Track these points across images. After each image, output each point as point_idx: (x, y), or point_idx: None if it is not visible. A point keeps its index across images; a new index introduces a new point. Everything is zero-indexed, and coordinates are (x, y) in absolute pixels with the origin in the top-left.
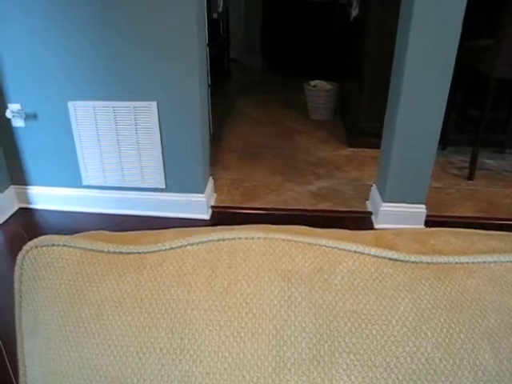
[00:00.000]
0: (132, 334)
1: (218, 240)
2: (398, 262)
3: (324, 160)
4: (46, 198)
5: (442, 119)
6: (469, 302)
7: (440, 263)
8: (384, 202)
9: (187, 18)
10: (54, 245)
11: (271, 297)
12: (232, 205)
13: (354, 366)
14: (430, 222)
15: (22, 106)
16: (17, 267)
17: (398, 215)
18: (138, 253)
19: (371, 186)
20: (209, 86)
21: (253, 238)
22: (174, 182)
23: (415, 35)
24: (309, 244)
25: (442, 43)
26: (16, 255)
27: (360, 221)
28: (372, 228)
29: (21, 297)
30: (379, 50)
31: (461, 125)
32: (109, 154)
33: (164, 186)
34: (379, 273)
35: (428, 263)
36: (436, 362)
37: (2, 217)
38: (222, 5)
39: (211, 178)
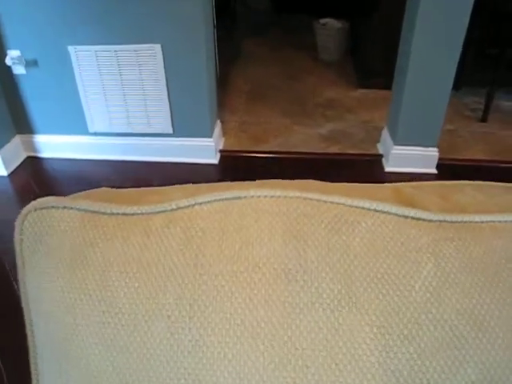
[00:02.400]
0: (139, 301)
1: (228, 199)
2: (421, 221)
3: (334, 102)
4: (53, 146)
5: (457, 58)
6: (496, 265)
7: (465, 222)
8: (395, 144)
9: None
10: (53, 207)
11: (285, 260)
12: (240, 149)
13: (374, 334)
14: (442, 166)
15: (21, 52)
16: (16, 231)
17: (409, 158)
18: (143, 214)
19: (382, 128)
20: (214, 27)
21: (265, 197)
22: (181, 126)
23: None
24: (325, 202)
25: None
26: (26, 205)
27: (370, 164)
28: (382, 171)
29: (23, 263)
30: None
31: (477, 64)
32: (113, 99)
33: (171, 131)
34: (401, 234)
35: (452, 222)
36: (461, 330)
37: (11, 166)
38: None
39: (219, 121)
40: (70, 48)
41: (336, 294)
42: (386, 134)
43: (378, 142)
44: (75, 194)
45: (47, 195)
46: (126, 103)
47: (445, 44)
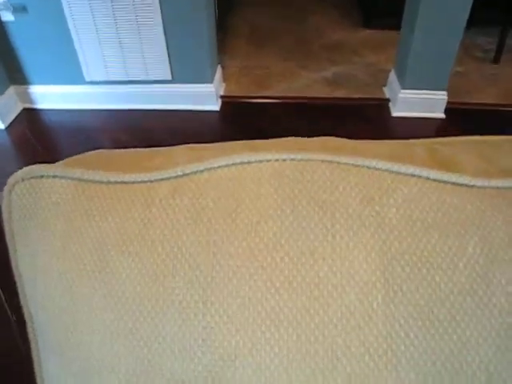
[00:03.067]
0: (145, 284)
1: (242, 163)
2: (464, 188)
3: (339, 43)
4: (49, 96)
5: None
6: None
7: None
8: (403, 88)
9: None
10: (43, 176)
11: (311, 236)
12: (242, 94)
13: (414, 319)
14: (450, 110)
15: None
16: (3, 205)
17: (416, 102)
18: (144, 182)
19: (389, 71)
20: None
21: (284, 160)
22: (181, 72)
23: None
24: (354, 166)
25: None
26: (25, 159)
27: (377, 108)
28: (389, 116)
29: (13, 238)
30: None
31: (490, 1)
32: (109, 45)
33: (170, 78)
34: (442, 203)
35: (498, 188)
36: None
37: (7, 119)
38: None
39: (219, 66)
40: None
41: (370, 276)
42: (393, 78)
43: (385, 85)
44: (67, 159)
45: (45, 148)
46: (122, 49)
47: None
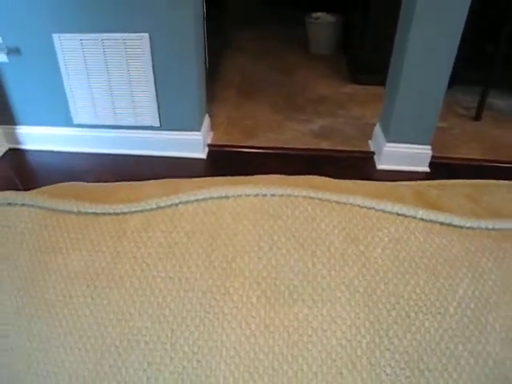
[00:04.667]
0: (109, 322)
1: (220, 197)
2: (452, 228)
3: (325, 97)
4: (36, 138)
5: (455, 54)
6: None
7: (503, 229)
8: (388, 141)
9: None
10: (10, 204)
11: (290, 275)
12: (230, 143)
13: (401, 368)
14: (435, 164)
15: (2, 39)
16: None
17: (401, 156)
18: (116, 214)
19: (374, 124)
20: (204, 18)
21: (265, 196)
22: (169, 119)
23: None
24: (337, 203)
25: None
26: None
27: (362, 161)
28: (374, 168)
29: None
30: None
31: (471, 61)
32: (99, 90)
33: (158, 124)
34: (430, 243)
35: (488, 229)
36: (508, 365)
37: None
38: None
39: (207, 115)
40: (55, 36)
41: (354, 320)
42: (378, 131)
43: (370, 138)
44: (39, 189)
45: (28, 189)
46: (112, 94)
47: (442, 40)
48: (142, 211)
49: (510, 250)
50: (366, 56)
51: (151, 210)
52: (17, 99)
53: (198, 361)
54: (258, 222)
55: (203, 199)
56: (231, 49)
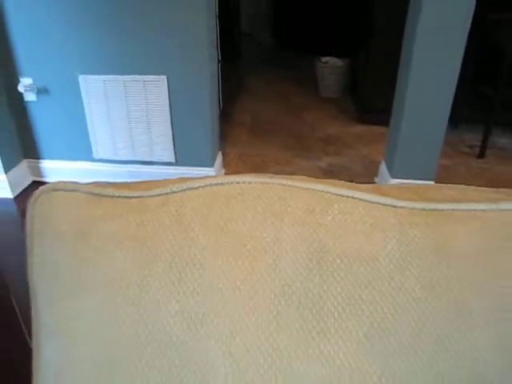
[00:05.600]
0: (133, 268)
1: (217, 184)
2: (390, 207)
3: (334, 137)
4: (58, 171)
5: (452, 94)
6: (459, 248)
7: (432, 210)
8: (392, 177)
9: None
10: (61, 190)
11: (264, 234)
12: None
13: (342, 298)
14: None
15: (33, 80)
16: (29, 209)
17: None
18: (141, 197)
19: (380, 162)
20: (219, 61)
21: (250, 183)
22: (184, 155)
23: (427, 7)
24: (303, 189)
25: (455, 16)
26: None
27: None
28: None
29: (32, 241)
30: (388, 25)
31: (474, 102)
32: (119, 127)
33: (174, 160)
34: (370, 216)
35: (420, 209)
36: (421, 299)
37: (16, 189)
38: None
39: (220, 152)
40: (81, 77)
41: (308, 263)
42: (383, 168)
43: (376, 176)
44: (83, 183)
45: None
46: (131, 131)
47: (440, 81)
48: (159, 195)
49: (432, 223)
50: (371, 98)
51: (167, 193)
52: (42, 135)
53: (198, 293)
54: (242, 200)
55: (204, 186)
56: (244, 91)
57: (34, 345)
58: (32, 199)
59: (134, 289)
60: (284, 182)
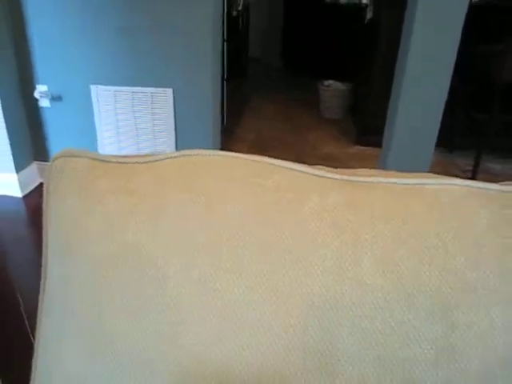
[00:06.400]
0: (123, 209)
1: (192, 155)
2: (322, 178)
3: (331, 156)
4: None
5: (439, 120)
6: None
7: (361, 182)
8: None
9: (203, 14)
10: (73, 155)
11: (217, 189)
12: None
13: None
14: None
15: (48, 87)
16: (47, 170)
17: None
18: (132, 163)
19: None
20: (225, 80)
21: (215, 155)
22: None
23: (416, 37)
24: (253, 161)
25: (443, 45)
26: (37, 226)
27: None
28: None
29: (48, 194)
30: (389, 52)
31: (467, 128)
32: (126, 135)
33: None
34: (304, 183)
35: (347, 180)
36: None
37: (25, 189)
38: (241, 3)
39: None
40: (92, 87)
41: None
42: None
43: None
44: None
45: None
46: (137, 140)
47: (428, 108)
48: (154, 160)
49: (350, 188)
50: (370, 120)
51: (161, 159)
52: (53, 139)
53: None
54: (216, 164)
55: (189, 155)
56: (248, 109)
57: (43, 267)
58: (51, 162)
59: (142, 243)
60: (240, 156)
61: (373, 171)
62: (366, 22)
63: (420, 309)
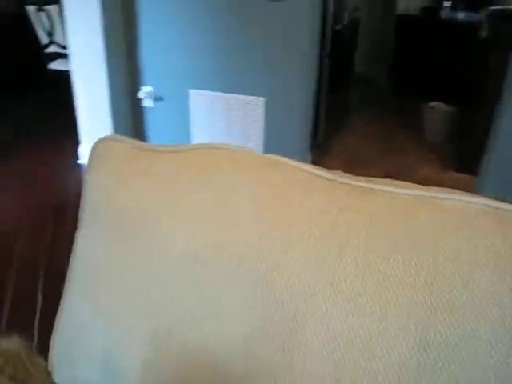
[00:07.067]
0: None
1: (213, 148)
2: (327, 180)
3: (427, 180)
4: None
5: None
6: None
7: (362, 187)
8: None
9: (300, 30)
10: (114, 140)
11: (229, 180)
12: None
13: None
14: None
15: (153, 88)
16: (90, 152)
17: None
18: (160, 151)
19: None
20: (324, 93)
21: (235, 150)
22: None
23: None
24: (261, 157)
25: None
26: None
27: None
28: None
29: (89, 172)
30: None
31: None
32: (217, 139)
33: None
34: (306, 181)
35: (349, 184)
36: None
37: None
38: (347, 18)
39: None
40: (191, 91)
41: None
42: None
43: None
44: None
45: None
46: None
47: None
48: (179, 151)
49: (360, 196)
50: (473, 146)
51: (184, 150)
52: (152, 136)
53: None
54: (231, 156)
55: (205, 147)
56: (347, 125)
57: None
58: (93, 145)
59: (156, 219)
60: (237, 148)
61: (388, 181)
62: (480, 39)
63: (393, 322)
